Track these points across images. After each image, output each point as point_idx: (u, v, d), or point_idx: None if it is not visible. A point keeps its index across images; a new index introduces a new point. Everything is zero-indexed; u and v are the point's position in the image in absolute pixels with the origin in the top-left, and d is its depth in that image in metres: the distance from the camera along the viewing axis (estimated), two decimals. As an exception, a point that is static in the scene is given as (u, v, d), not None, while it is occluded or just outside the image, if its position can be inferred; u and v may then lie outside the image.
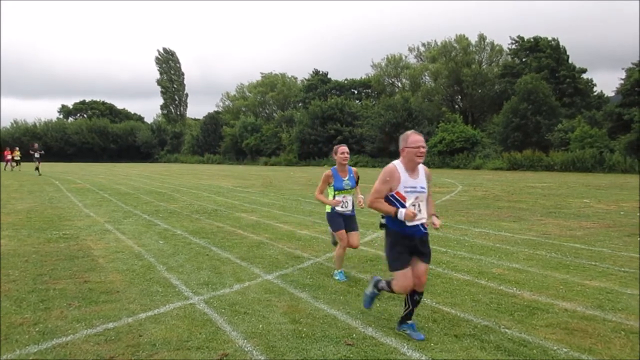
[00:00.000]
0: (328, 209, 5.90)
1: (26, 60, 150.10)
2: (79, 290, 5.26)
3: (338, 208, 5.78)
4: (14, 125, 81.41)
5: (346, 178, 5.88)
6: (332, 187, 5.83)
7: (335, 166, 5.89)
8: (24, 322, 4.29)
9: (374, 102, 60.52)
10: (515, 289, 5.29)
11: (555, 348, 3.72)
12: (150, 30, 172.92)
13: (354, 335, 4.01)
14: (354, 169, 6.05)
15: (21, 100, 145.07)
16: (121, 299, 4.96)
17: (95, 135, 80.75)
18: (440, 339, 3.93)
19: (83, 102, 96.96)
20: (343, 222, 5.80)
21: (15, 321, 4.30)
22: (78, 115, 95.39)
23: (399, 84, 63.52)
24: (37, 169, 29.17)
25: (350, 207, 5.86)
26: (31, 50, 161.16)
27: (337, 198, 5.78)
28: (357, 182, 6.05)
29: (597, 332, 4.03)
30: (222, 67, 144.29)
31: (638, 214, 10.55)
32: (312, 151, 53.93)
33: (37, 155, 29.66)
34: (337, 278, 5.73)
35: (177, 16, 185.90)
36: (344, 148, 5.87)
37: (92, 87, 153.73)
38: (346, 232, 5.78)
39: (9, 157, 34.45)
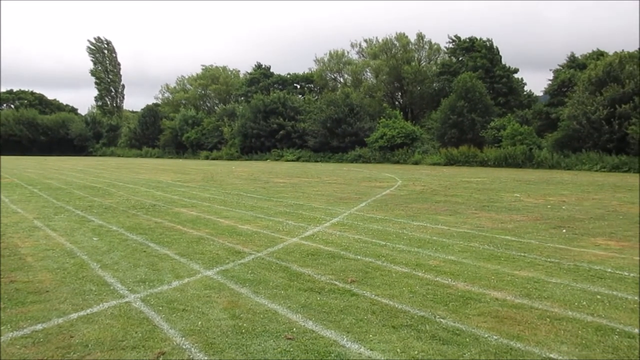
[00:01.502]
0: None
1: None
2: (5, 290, 4.97)
3: None
4: None
5: None
6: None
7: None
8: (-58, 326, 4.00)
9: (316, 97, 60.78)
10: (450, 280, 5.49)
11: (486, 336, 3.89)
12: (85, 18, 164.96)
13: (295, 329, 4.03)
14: None
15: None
16: (51, 298, 4.73)
17: (23, 127, 76.23)
18: (378, 330, 4.02)
19: (10, 92, 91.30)
20: None
21: None
22: (4, 105, 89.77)
23: (341, 80, 64.15)
24: None
25: None
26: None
27: None
28: None
29: (525, 320, 4.25)
30: (161, 59, 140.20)
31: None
32: (255, 145, 53.44)
33: None
34: None
35: (113, 5, 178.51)
36: None
37: (20, 75, 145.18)
38: None
39: None
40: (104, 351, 3.57)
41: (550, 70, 47.28)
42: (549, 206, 12.04)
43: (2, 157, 54.17)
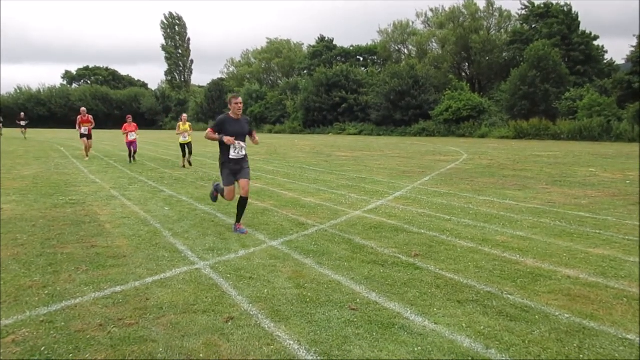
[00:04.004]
0: None
1: (29, 27, 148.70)
2: (87, 254, 5.32)
3: None
4: (18, 91, 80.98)
5: None
6: None
7: None
8: (33, 285, 4.36)
9: (379, 70, 59.74)
10: (518, 256, 5.32)
11: (557, 314, 3.75)
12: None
13: (358, 300, 4.06)
14: None
15: (24, 65, 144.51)
16: (128, 263, 5.02)
17: (99, 102, 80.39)
18: (443, 304, 3.97)
19: (86, 68, 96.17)
20: None
21: (25, 284, 4.38)
22: (82, 81, 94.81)
23: (406, 51, 62.60)
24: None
25: None
26: (33, 16, 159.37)
27: None
28: None
29: (599, 299, 4.06)
30: (226, 33, 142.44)
31: (638, 182, 10.46)
32: (317, 119, 53.55)
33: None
34: None
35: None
36: None
37: (96, 52, 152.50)
38: None
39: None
40: (177, 314, 3.76)
41: (634, 35, 43.84)
42: (627, 181, 11.33)
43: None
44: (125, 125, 16.57)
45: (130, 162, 16.33)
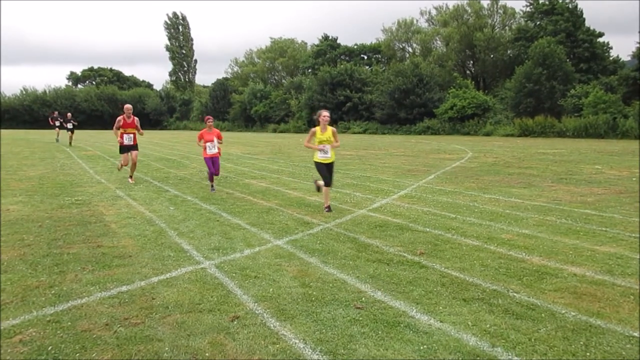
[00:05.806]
0: None
1: (30, 28, 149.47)
2: (93, 254, 5.35)
3: None
4: (24, 92, 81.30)
5: None
6: None
7: None
8: (40, 284, 4.38)
9: (384, 68, 59.63)
10: (524, 254, 5.30)
11: (563, 312, 3.74)
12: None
13: (364, 298, 4.06)
14: None
15: (25, 67, 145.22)
16: (134, 263, 5.04)
17: (104, 102, 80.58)
18: (448, 302, 3.96)
19: (91, 69, 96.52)
20: None
21: (31, 284, 4.40)
22: (87, 82, 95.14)
23: (410, 49, 62.43)
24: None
25: None
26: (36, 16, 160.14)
27: None
28: None
29: (605, 297, 4.04)
30: (231, 32, 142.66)
31: (638, 179, 10.41)
32: (321, 118, 53.52)
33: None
34: None
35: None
36: None
37: (101, 53, 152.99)
38: None
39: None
40: (182, 313, 3.77)
41: (640, 32, 43.46)
42: (634, 179, 11.27)
43: (85, 130, 57.47)
44: (202, 132, 10.33)
45: (212, 187, 10.27)
